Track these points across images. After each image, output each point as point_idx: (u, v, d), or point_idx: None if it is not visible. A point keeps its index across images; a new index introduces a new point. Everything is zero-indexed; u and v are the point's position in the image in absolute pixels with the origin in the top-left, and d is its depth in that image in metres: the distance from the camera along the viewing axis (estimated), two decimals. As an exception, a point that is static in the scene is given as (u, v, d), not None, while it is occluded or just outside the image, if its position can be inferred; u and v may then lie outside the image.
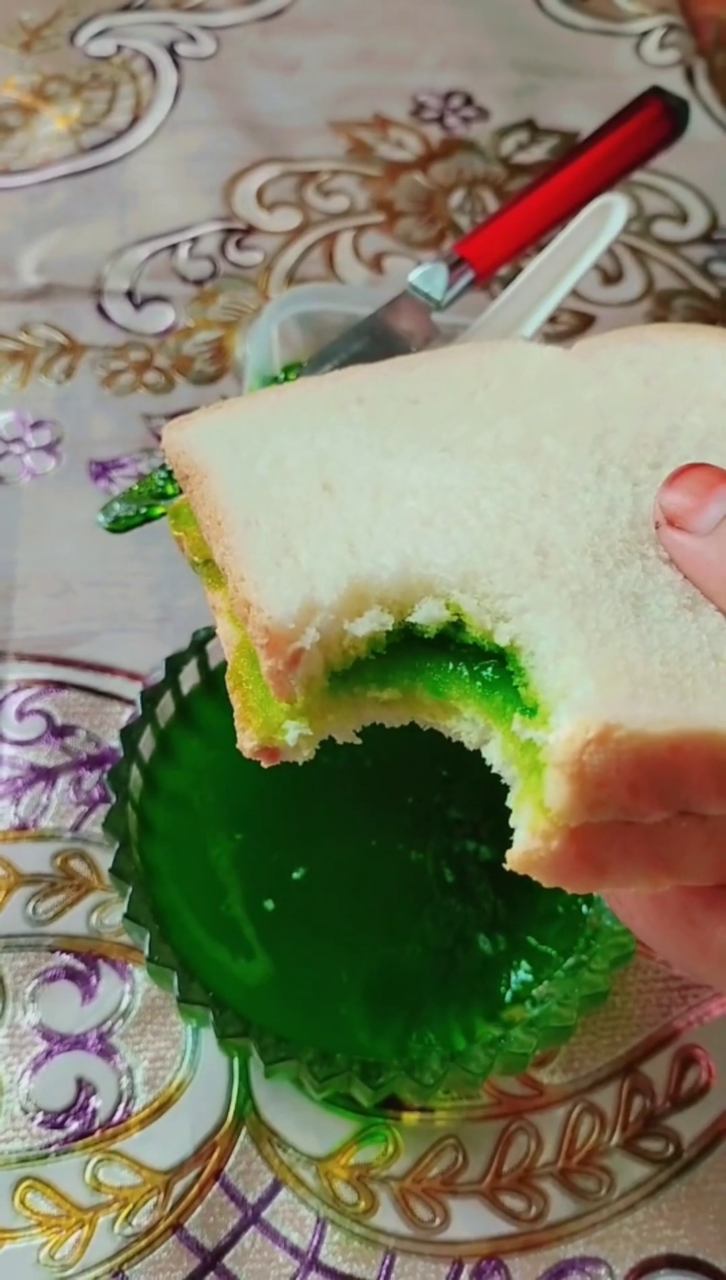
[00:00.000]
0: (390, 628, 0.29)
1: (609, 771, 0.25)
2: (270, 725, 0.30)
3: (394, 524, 0.30)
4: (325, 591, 0.29)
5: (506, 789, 0.46)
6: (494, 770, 0.29)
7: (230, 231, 0.68)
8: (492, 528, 0.30)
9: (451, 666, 0.29)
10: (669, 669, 0.27)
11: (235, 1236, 0.41)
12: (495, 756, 0.29)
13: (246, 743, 0.30)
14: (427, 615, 0.29)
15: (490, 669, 0.29)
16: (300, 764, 0.44)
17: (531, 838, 0.27)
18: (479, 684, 0.29)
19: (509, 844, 0.43)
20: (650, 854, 0.28)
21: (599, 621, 0.28)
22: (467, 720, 0.30)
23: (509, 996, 0.41)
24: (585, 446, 0.33)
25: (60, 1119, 0.43)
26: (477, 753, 0.44)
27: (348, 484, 0.32)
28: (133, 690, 0.51)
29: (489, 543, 0.29)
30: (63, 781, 0.49)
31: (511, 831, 0.44)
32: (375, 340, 0.49)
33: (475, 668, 0.29)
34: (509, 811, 0.44)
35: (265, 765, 0.30)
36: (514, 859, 0.27)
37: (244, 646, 0.31)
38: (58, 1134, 0.42)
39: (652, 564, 0.30)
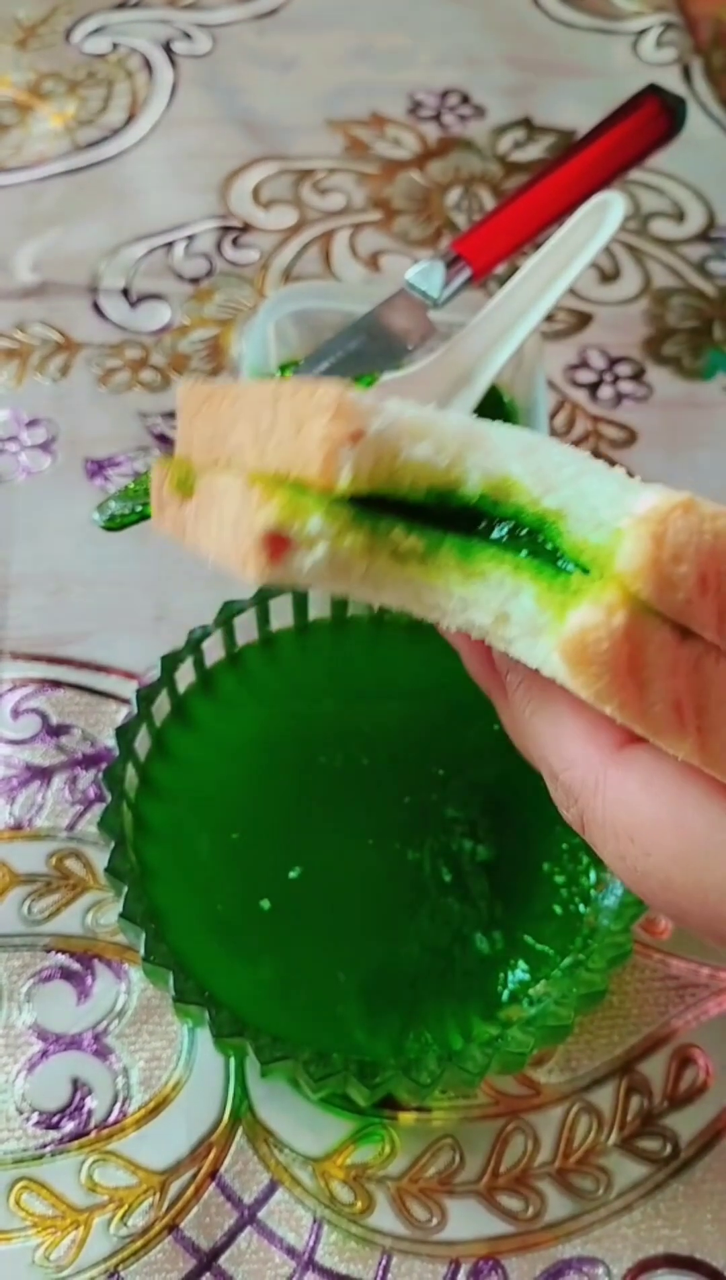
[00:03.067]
0: (447, 465, 0.27)
1: (687, 548, 0.24)
2: (295, 506, 0.27)
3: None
4: (393, 408, 0.27)
5: (503, 788, 0.46)
6: (512, 631, 0.27)
7: (226, 229, 0.68)
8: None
9: (478, 542, 0.28)
10: None
11: (231, 1237, 0.41)
12: (526, 607, 0.27)
13: (258, 517, 0.27)
14: (482, 468, 0.27)
15: (521, 541, 0.27)
16: (295, 765, 0.44)
17: (594, 609, 0.25)
18: (509, 550, 0.27)
19: (505, 843, 0.44)
20: (688, 687, 0.26)
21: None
22: (490, 586, 0.28)
23: (506, 996, 0.41)
24: None
25: (55, 1119, 0.42)
26: (474, 752, 0.45)
27: None
28: (128, 689, 0.51)
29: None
30: (58, 780, 0.49)
31: (508, 830, 0.44)
32: (371, 338, 0.49)
33: (504, 541, 0.28)
34: (505, 811, 0.44)
35: (255, 570, 0.27)
36: (568, 639, 0.25)
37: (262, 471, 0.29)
38: (53, 1134, 0.42)
39: None
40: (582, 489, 0.27)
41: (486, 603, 0.28)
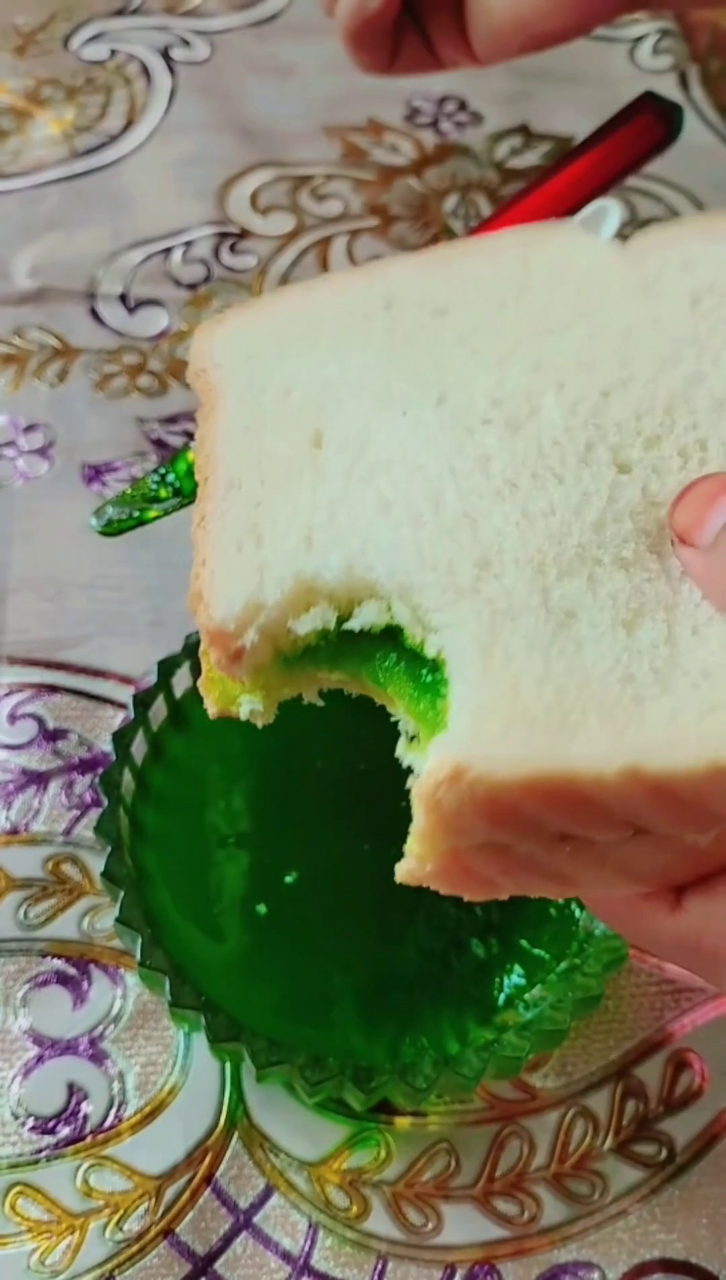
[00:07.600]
0: (332, 625, 0.30)
1: (462, 808, 0.26)
2: (227, 697, 0.32)
3: (356, 510, 0.31)
4: (272, 588, 0.30)
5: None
6: (409, 759, 0.30)
7: (224, 235, 0.68)
8: (443, 528, 0.30)
9: (394, 661, 0.30)
10: (561, 698, 0.27)
11: (227, 1242, 0.41)
12: (413, 758, 0.30)
13: (209, 707, 0.33)
14: (367, 619, 0.30)
15: (427, 672, 0.29)
16: (292, 770, 0.45)
17: (408, 856, 0.28)
18: (414, 686, 0.30)
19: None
20: (539, 872, 0.28)
21: (508, 645, 0.28)
22: (401, 715, 0.30)
23: (502, 1000, 0.41)
24: (584, 411, 0.32)
25: (51, 1124, 0.42)
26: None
27: (334, 439, 0.32)
28: (125, 694, 0.51)
29: (432, 549, 0.30)
30: (54, 785, 0.49)
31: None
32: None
33: (415, 668, 0.30)
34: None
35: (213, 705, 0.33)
36: (399, 872, 0.28)
37: None
38: (48, 1139, 0.42)
39: (605, 571, 0.29)
40: (447, 642, 0.29)
41: (404, 727, 0.30)
